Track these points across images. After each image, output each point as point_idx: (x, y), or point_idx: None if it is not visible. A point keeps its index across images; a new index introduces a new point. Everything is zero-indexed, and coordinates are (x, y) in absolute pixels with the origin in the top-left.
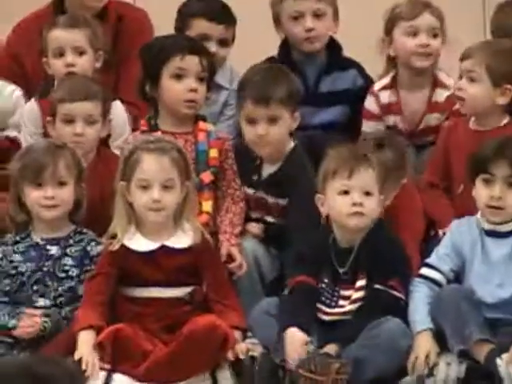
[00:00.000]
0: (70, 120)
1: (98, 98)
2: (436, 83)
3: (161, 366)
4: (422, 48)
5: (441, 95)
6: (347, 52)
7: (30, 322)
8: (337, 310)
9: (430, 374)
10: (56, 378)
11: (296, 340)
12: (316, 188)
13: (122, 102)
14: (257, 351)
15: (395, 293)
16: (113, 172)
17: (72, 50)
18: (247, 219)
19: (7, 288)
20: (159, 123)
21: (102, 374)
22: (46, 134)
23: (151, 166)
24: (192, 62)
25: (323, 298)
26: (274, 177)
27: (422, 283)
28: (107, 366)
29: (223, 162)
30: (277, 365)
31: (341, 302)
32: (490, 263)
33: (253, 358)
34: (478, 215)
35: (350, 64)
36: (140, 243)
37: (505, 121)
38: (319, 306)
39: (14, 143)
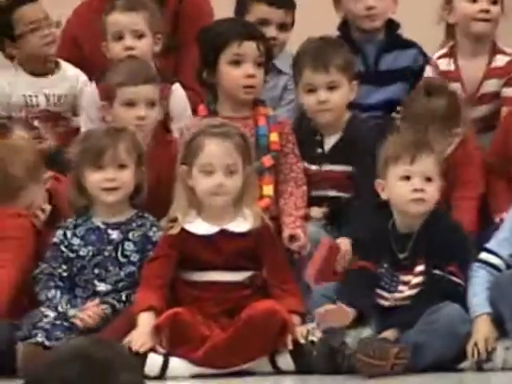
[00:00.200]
0: (131, 103)
1: (156, 80)
2: (495, 50)
3: (219, 351)
4: (482, 13)
5: (501, 60)
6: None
7: (90, 313)
8: (396, 295)
9: (488, 359)
10: (112, 362)
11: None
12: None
13: (182, 86)
14: (316, 336)
15: (454, 278)
16: (170, 156)
17: (131, 33)
18: (309, 204)
19: (65, 273)
20: (218, 108)
21: (159, 358)
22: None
23: (215, 150)
24: (249, 48)
25: (382, 283)
26: (336, 147)
27: (482, 268)
28: (164, 351)
29: (284, 146)
30: (335, 349)
31: (400, 288)
32: None
33: (312, 342)
34: None
35: (411, 43)
36: (200, 227)
37: None
38: (378, 291)
39: None
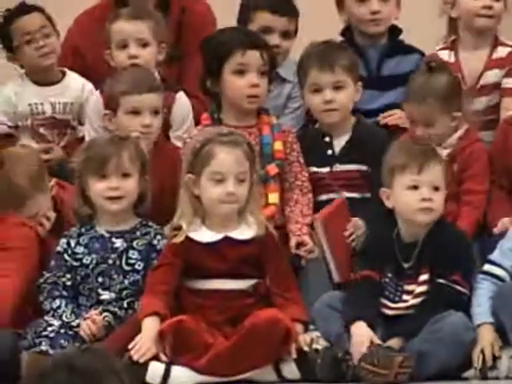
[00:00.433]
0: (136, 112)
1: (160, 89)
2: (496, 43)
3: (222, 359)
4: (485, 10)
5: (502, 51)
6: None
7: (89, 322)
8: (400, 304)
9: (494, 366)
10: (96, 371)
11: (362, 334)
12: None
13: (186, 94)
14: (320, 344)
15: (458, 287)
16: (173, 164)
17: (136, 41)
18: (319, 209)
19: (69, 282)
20: (222, 117)
21: (161, 366)
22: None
23: (227, 158)
24: (253, 57)
25: (387, 293)
26: (347, 147)
27: (486, 279)
28: (166, 359)
29: (288, 154)
30: (339, 358)
31: (404, 297)
32: None
33: (316, 350)
34: None
35: (413, 49)
36: (204, 235)
37: None
38: (383, 300)
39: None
